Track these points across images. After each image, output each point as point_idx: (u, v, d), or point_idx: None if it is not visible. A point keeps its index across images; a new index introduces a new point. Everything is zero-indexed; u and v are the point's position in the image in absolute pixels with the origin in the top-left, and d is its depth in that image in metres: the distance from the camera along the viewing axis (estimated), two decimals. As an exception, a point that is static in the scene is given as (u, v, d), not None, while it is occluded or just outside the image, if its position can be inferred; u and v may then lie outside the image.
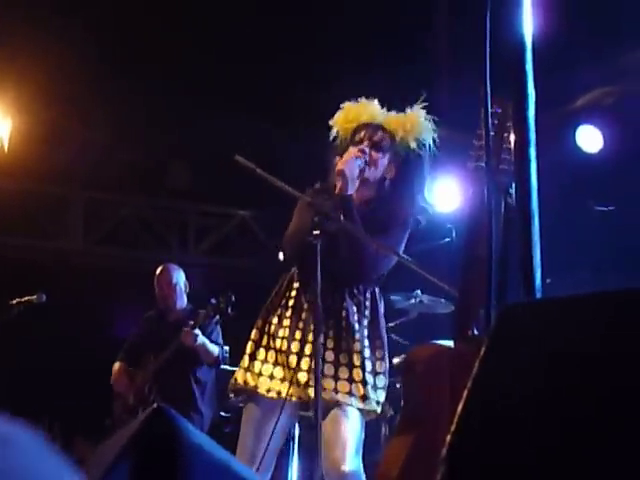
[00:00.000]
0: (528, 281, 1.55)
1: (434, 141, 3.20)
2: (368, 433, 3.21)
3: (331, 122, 3.28)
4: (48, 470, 0.82)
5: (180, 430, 1.44)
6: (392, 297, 5.49)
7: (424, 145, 3.19)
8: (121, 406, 5.49)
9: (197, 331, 5.17)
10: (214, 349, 5.30)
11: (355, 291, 3.13)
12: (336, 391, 3.04)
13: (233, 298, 5.18)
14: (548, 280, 1.89)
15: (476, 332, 2.40)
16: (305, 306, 3.12)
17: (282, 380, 3.10)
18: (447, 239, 5.42)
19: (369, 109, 3.25)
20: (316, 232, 2.91)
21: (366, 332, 3.12)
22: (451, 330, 2.46)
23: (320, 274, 2.91)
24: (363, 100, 3.26)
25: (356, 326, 3.09)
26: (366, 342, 3.11)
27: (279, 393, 3.08)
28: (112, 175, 7.46)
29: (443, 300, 5.24)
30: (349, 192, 3.06)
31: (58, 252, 7.85)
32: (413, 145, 3.18)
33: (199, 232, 8.58)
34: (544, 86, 1.97)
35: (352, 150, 3.14)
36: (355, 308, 3.11)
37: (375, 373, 3.12)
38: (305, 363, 3.05)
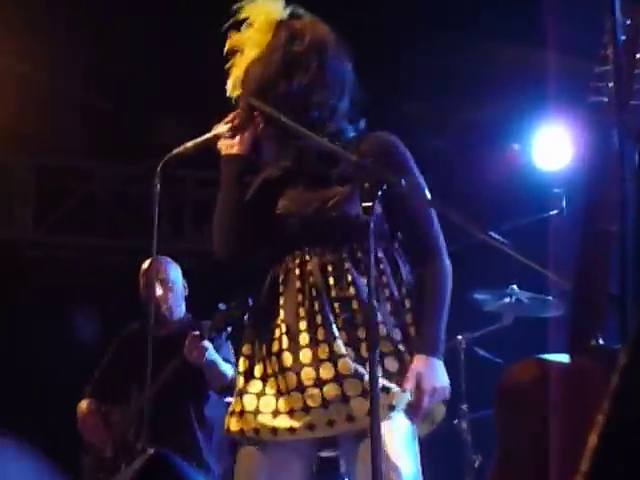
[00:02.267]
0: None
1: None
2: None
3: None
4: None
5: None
6: (477, 296, 5.49)
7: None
8: (94, 461, 5.45)
9: (207, 343, 5.08)
10: (227, 369, 5.19)
11: (359, 255, 3.18)
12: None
13: (250, 301, 5.12)
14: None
15: (602, 341, 2.39)
16: (299, 298, 3.22)
17: (291, 413, 3.12)
18: (555, 210, 5.38)
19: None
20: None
21: (389, 307, 3.17)
22: (565, 339, 2.45)
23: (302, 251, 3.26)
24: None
25: (374, 303, 2.95)
26: (392, 320, 3.16)
27: (292, 430, 3.11)
28: (71, 137, 7.51)
29: (550, 298, 5.23)
30: None
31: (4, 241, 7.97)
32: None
33: (198, 210, 8.57)
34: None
35: None
36: (364, 280, 3.12)
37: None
38: (326, 371, 3.09)
